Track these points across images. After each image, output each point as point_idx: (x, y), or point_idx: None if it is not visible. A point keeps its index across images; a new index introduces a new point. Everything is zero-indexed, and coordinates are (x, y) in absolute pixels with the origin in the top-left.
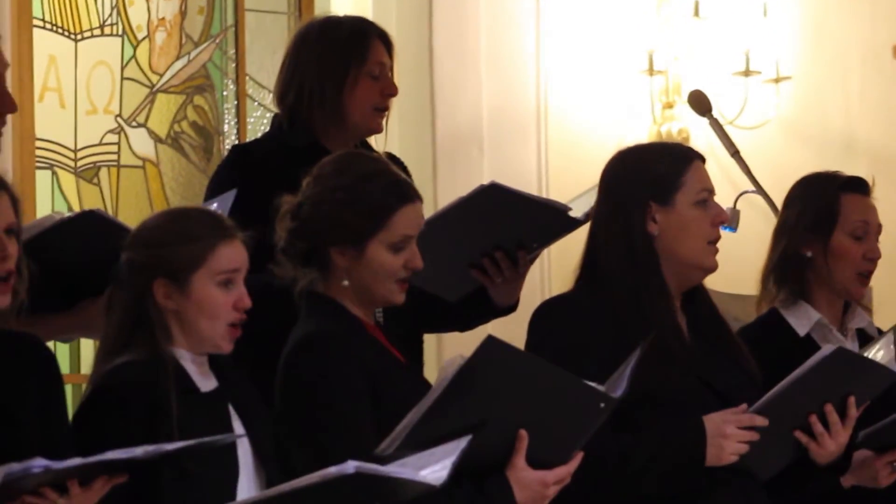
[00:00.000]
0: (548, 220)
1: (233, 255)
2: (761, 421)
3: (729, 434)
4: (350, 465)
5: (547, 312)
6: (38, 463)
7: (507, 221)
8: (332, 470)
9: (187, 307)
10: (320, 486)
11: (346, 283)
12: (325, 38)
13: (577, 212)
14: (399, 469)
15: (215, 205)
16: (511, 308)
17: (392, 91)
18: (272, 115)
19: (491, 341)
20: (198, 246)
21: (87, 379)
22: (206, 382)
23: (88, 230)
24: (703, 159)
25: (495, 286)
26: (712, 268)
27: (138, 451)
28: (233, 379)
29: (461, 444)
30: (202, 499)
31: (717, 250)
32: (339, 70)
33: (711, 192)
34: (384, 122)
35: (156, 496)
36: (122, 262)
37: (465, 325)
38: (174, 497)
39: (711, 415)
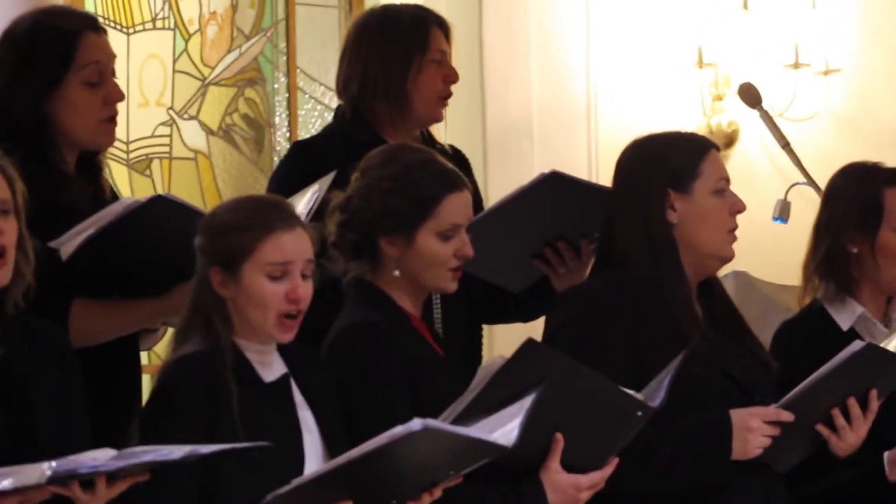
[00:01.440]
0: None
1: (284, 246)
2: (787, 416)
3: (754, 428)
4: (416, 422)
5: (567, 299)
6: (87, 463)
7: (568, 210)
8: (399, 428)
9: (239, 296)
10: (389, 447)
11: (396, 272)
12: (386, 27)
13: None
14: (469, 429)
15: (316, 186)
16: None
17: (454, 77)
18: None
19: (531, 344)
20: (248, 236)
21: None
22: (269, 372)
23: (162, 215)
24: (717, 148)
25: (558, 276)
26: (729, 257)
27: (176, 454)
28: (303, 366)
29: (525, 403)
30: (266, 487)
31: (734, 239)
32: (403, 58)
33: (728, 180)
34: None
35: (220, 486)
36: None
37: (528, 317)
38: (238, 486)
39: (737, 409)
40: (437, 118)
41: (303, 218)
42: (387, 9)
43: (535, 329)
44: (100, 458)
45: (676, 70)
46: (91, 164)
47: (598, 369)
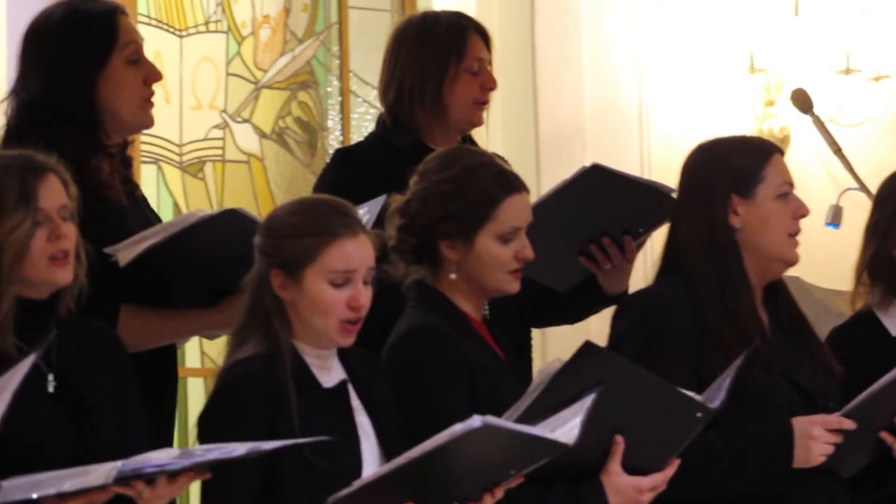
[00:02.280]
0: (652, 203)
1: (348, 254)
2: (849, 424)
3: (816, 436)
4: (476, 419)
5: (628, 305)
6: (151, 463)
7: (611, 206)
8: (459, 426)
9: (300, 300)
10: (449, 445)
11: (453, 276)
12: (424, 35)
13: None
14: (529, 427)
15: (364, 209)
16: (620, 296)
17: (491, 85)
18: (376, 112)
19: (589, 346)
20: (312, 241)
21: (191, 373)
22: (328, 377)
23: (230, 228)
24: (781, 152)
25: (604, 273)
26: (793, 260)
27: (239, 450)
28: (363, 369)
29: (586, 403)
30: (324, 493)
31: (797, 243)
32: (439, 66)
33: (792, 185)
34: (485, 115)
35: (278, 490)
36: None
37: (577, 317)
38: (295, 491)
39: (799, 417)
40: (476, 122)
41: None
42: (426, 15)
43: (580, 330)
44: (163, 457)
45: (728, 75)
46: (122, 158)
47: (661, 375)
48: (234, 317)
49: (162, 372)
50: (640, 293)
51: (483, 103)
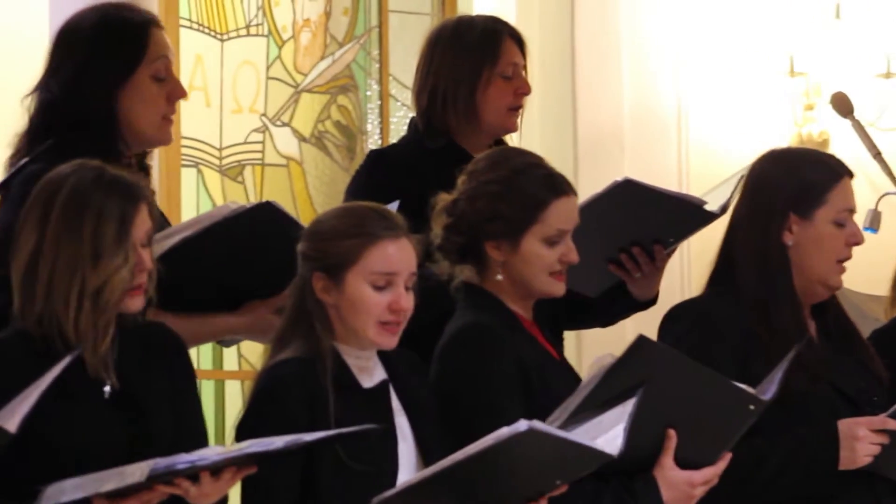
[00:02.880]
0: (683, 214)
1: (390, 256)
2: (894, 424)
3: (861, 436)
4: (522, 423)
5: (675, 317)
6: (183, 459)
7: (642, 216)
8: (505, 430)
9: (342, 303)
10: (495, 448)
11: (499, 277)
12: (458, 40)
13: (712, 205)
14: (573, 434)
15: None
16: (651, 301)
17: (525, 90)
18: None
19: (642, 341)
20: (353, 243)
21: (229, 375)
22: (369, 378)
23: (263, 225)
24: (851, 175)
25: (634, 280)
26: (836, 286)
27: (278, 442)
28: (404, 369)
29: (628, 409)
30: (360, 493)
31: (844, 270)
32: (472, 71)
33: (853, 211)
34: (519, 120)
35: (314, 490)
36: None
37: (607, 321)
38: (331, 491)
39: (844, 419)
40: (510, 128)
41: None
42: (460, 20)
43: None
44: (209, 453)
45: (767, 79)
46: (142, 167)
47: None
48: (255, 323)
49: None
50: (687, 304)
51: (517, 109)
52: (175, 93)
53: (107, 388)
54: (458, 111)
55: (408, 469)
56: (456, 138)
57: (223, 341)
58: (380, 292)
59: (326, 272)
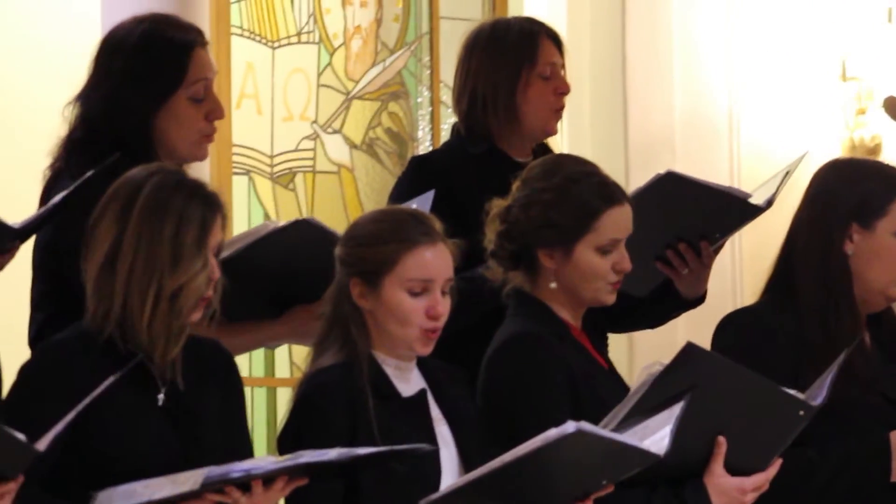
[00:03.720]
0: (728, 208)
1: (427, 262)
2: None
3: None
4: (570, 425)
5: (730, 325)
6: (237, 467)
7: (687, 212)
8: (553, 431)
9: (378, 309)
10: (543, 450)
11: (553, 285)
12: (495, 42)
13: (758, 199)
14: (621, 435)
15: (413, 205)
16: (699, 300)
17: (565, 89)
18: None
19: (690, 348)
20: (390, 249)
21: (281, 383)
22: (407, 386)
23: (301, 238)
24: None
25: (681, 278)
26: (895, 297)
27: (331, 454)
28: (443, 379)
29: (675, 412)
30: (403, 498)
31: None
32: (511, 73)
33: None
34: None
35: (357, 496)
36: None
37: (655, 322)
38: (374, 497)
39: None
40: (551, 131)
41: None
42: (497, 23)
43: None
44: (263, 465)
45: (819, 83)
46: None
47: None
48: (299, 328)
49: None
50: (742, 311)
51: (558, 110)
52: (214, 113)
53: (160, 396)
54: (498, 114)
55: (451, 476)
56: (498, 142)
57: (270, 346)
58: (416, 298)
59: (363, 278)
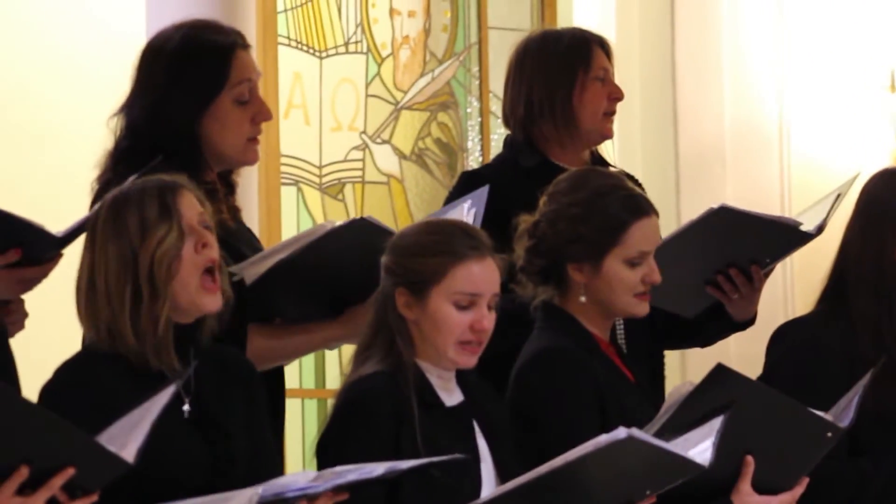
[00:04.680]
0: (779, 235)
1: (474, 276)
2: None
3: None
4: (622, 431)
5: (781, 336)
6: (292, 487)
7: (739, 239)
8: (604, 437)
9: (423, 320)
10: (592, 455)
11: (583, 299)
12: (547, 48)
13: (808, 225)
14: (670, 444)
15: (468, 202)
16: (749, 322)
17: (619, 95)
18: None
19: (720, 369)
20: (439, 261)
21: (331, 394)
22: (450, 397)
23: (359, 238)
24: None
25: (732, 302)
26: None
27: (378, 470)
28: (479, 395)
29: (715, 425)
30: None
31: None
32: (567, 76)
33: None
34: (626, 134)
35: (396, 501)
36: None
37: (705, 342)
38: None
39: None
40: (608, 134)
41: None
42: (546, 32)
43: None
44: (301, 480)
45: (869, 94)
46: (227, 183)
47: (814, 404)
48: (358, 328)
49: (273, 390)
50: (794, 323)
51: (611, 114)
52: (260, 115)
53: (185, 408)
54: (556, 118)
55: (489, 488)
56: (552, 153)
57: (332, 347)
58: (462, 312)
59: (409, 288)
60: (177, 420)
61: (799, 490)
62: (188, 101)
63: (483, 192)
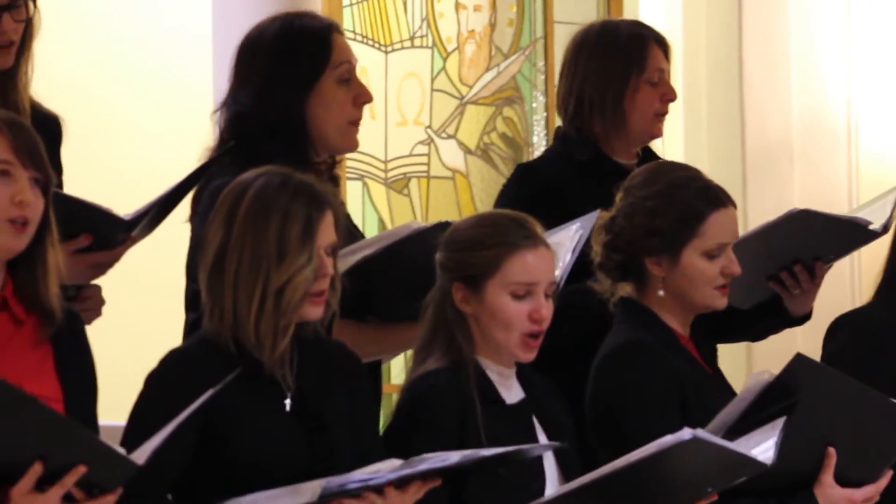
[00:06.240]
0: (849, 234)
1: (529, 265)
2: None
3: None
4: (686, 432)
5: (839, 326)
6: (355, 478)
7: (808, 237)
8: (669, 437)
9: (482, 314)
10: (657, 456)
11: (661, 293)
12: (603, 46)
13: (875, 223)
14: (733, 444)
15: (577, 224)
16: (805, 317)
17: (672, 96)
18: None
19: (799, 359)
20: (493, 253)
21: (396, 389)
22: (510, 393)
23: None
24: None
25: (791, 297)
26: None
27: (454, 458)
28: (540, 391)
29: (778, 424)
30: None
31: None
32: (619, 78)
33: None
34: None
35: (460, 495)
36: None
37: (758, 335)
38: (478, 498)
39: None
40: (656, 134)
41: (569, 256)
42: (606, 25)
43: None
44: (383, 469)
45: None
46: (330, 176)
47: None
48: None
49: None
50: (853, 313)
51: (663, 115)
52: (361, 96)
53: (287, 401)
54: (605, 118)
55: (551, 486)
56: (603, 146)
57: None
58: (519, 302)
59: (466, 282)
60: (278, 414)
61: (883, 482)
62: (294, 81)
63: (593, 216)
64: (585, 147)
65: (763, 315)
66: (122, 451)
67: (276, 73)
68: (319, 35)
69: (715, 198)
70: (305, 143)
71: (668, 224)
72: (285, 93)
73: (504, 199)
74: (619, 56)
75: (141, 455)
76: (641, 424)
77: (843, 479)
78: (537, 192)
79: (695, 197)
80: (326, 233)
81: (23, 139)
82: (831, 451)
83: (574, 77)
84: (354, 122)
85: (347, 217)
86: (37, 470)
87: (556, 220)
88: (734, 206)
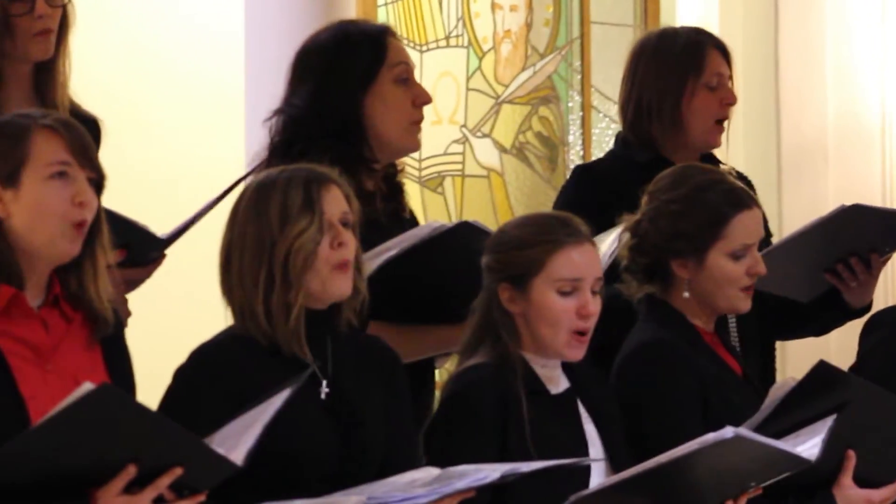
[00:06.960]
0: None
1: (574, 261)
2: None
3: None
4: (728, 430)
5: (874, 323)
6: (397, 496)
7: (861, 230)
8: (711, 435)
9: (529, 312)
10: (698, 453)
11: (686, 294)
12: (662, 51)
13: None
14: (777, 441)
15: (619, 229)
16: (865, 309)
17: (731, 100)
18: (617, 127)
19: (822, 366)
20: (538, 251)
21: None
22: (554, 386)
23: (464, 241)
24: None
25: (849, 289)
26: None
27: (493, 475)
28: (585, 380)
29: (827, 423)
30: (552, 494)
31: None
32: (677, 82)
33: None
34: (725, 130)
35: (505, 491)
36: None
37: (821, 330)
38: (523, 492)
39: None
40: (714, 143)
41: (604, 262)
42: (664, 31)
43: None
44: (419, 478)
45: None
46: (393, 181)
47: None
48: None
49: (418, 384)
50: (888, 311)
51: (723, 120)
52: (420, 97)
53: (323, 390)
54: (663, 123)
55: (599, 475)
56: (662, 151)
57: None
58: (566, 298)
59: (512, 282)
60: (313, 402)
61: None
62: (349, 80)
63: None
64: (645, 149)
65: (824, 309)
66: (221, 451)
67: (332, 73)
68: (374, 36)
69: (739, 200)
70: (361, 142)
71: (693, 227)
72: (340, 92)
73: (562, 199)
74: (677, 60)
75: (238, 455)
76: (662, 421)
77: (862, 480)
78: (596, 193)
79: (719, 199)
80: (333, 203)
81: (78, 139)
82: (851, 453)
83: (633, 82)
84: (416, 123)
85: (411, 223)
86: (130, 472)
87: (609, 222)
88: (759, 207)
